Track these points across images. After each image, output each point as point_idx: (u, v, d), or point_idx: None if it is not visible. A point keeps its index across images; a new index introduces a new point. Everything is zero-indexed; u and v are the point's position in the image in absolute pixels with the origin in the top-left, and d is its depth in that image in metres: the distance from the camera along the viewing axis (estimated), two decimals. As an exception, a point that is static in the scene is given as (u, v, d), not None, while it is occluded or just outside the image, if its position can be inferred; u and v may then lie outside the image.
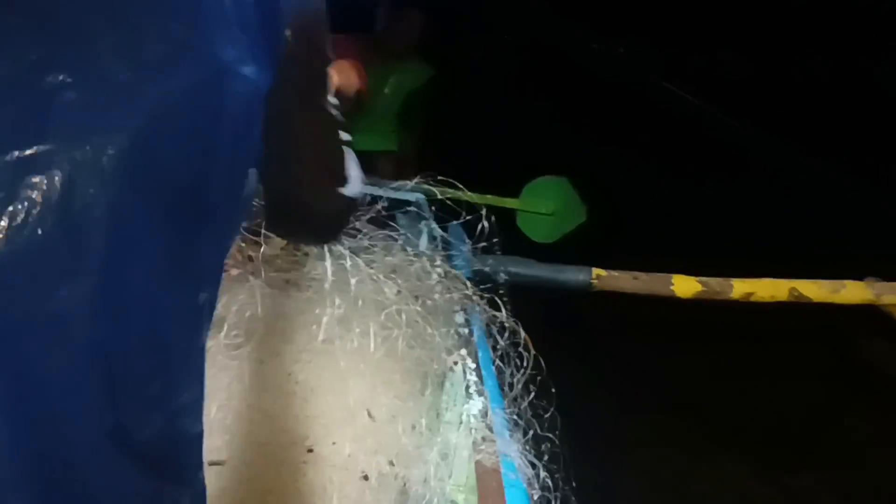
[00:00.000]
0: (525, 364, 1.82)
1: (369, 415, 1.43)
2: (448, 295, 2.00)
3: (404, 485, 1.34)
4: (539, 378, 1.80)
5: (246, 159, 0.74)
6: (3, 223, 0.57)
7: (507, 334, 1.90)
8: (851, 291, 2.72)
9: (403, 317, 1.76)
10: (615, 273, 2.56)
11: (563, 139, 3.54)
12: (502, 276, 2.36)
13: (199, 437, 0.76)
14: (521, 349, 1.89)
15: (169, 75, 0.63)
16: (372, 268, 1.95)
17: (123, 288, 0.63)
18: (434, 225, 2.59)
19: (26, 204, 0.58)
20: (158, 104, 0.62)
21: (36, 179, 0.58)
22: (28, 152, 0.58)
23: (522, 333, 1.89)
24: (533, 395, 1.71)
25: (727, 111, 5.14)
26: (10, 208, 0.57)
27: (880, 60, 4.86)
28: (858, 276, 2.68)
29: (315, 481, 1.33)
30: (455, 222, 2.62)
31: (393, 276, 1.98)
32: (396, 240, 2.22)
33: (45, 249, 0.58)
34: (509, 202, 2.92)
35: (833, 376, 3.65)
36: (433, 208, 2.69)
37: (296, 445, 1.38)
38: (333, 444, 1.40)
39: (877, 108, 4.66)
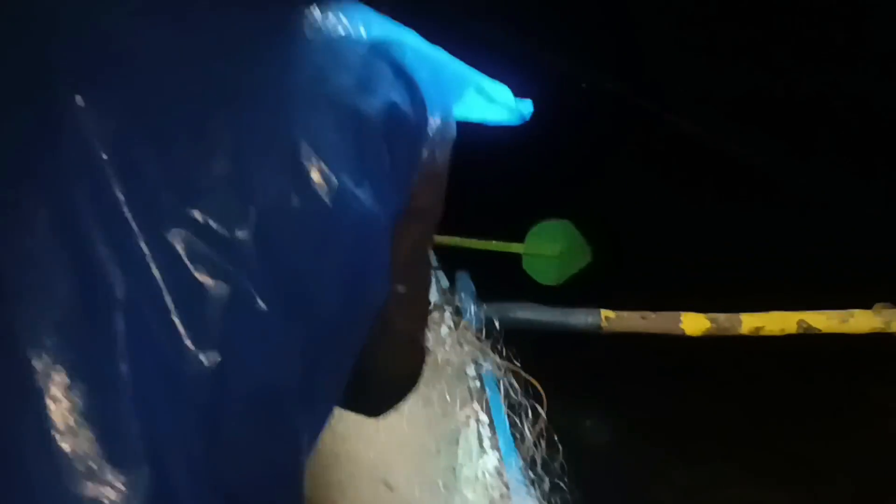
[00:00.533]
0: (538, 414, 1.83)
1: (386, 485, 1.43)
2: (458, 347, 2.01)
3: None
4: (552, 426, 1.81)
5: (362, 290, 0.71)
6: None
7: (518, 384, 1.91)
8: (860, 320, 2.72)
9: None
10: (624, 314, 2.57)
11: (563, 182, 3.57)
12: (511, 324, 2.37)
13: None
14: (532, 399, 1.90)
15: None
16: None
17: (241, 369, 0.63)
18: (441, 274, 2.62)
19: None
20: (273, 204, 0.63)
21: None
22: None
23: (534, 382, 1.90)
24: (546, 445, 1.71)
25: (730, 136, 5.18)
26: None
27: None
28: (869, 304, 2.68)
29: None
30: (462, 271, 2.64)
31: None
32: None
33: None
34: (514, 247, 2.93)
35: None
36: (438, 258, 2.73)
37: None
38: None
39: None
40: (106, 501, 0.57)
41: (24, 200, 0.59)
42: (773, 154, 5.08)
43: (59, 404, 0.57)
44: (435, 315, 2.20)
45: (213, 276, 0.61)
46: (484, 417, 1.69)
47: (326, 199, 0.65)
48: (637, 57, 5.25)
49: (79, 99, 0.60)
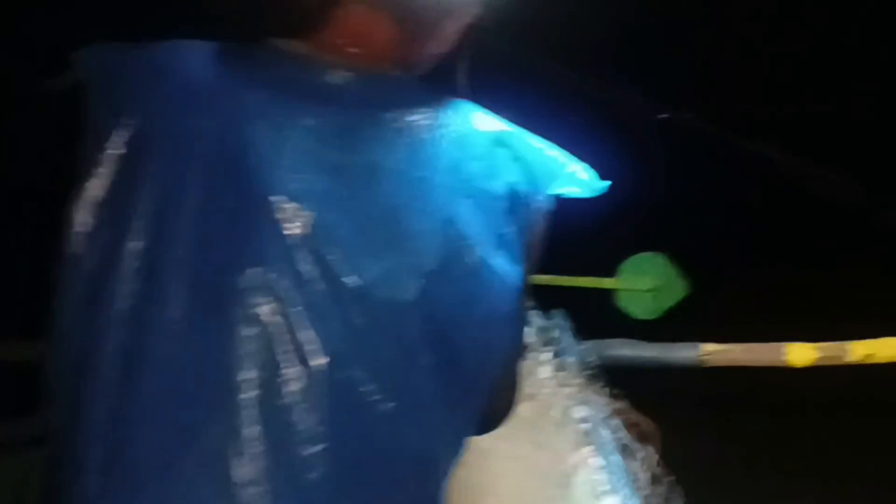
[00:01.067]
0: (650, 451, 1.78)
1: None
2: (561, 388, 1.98)
3: None
4: (664, 465, 1.76)
5: (500, 338, 0.85)
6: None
7: (625, 423, 1.86)
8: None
9: (523, 414, 1.75)
10: (725, 346, 2.50)
11: (655, 213, 3.53)
12: (611, 360, 2.33)
13: None
14: (642, 436, 1.85)
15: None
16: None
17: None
18: (537, 314, 2.60)
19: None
20: (433, 273, 0.78)
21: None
22: None
23: (643, 420, 1.85)
24: (660, 485, 1.67)
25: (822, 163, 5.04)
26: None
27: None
28: None
29: None
30: (556, 310, 2.62)
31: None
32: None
33: None
34: (607, 282, 2.90)
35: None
36: (532, 298, 2.70)
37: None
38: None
39: None
40: None
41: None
42: (869, 185, 4.93)
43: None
44: (533, 356, 2.18)
45: (384, 334, 0.74)
46: (596, 461, 1.65)
47: (471, 267, 0.80)
48: (720, 87, 5.18)
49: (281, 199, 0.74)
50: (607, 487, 1.57)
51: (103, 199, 0.75)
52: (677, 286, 2.93)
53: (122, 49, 0.81)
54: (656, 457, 1.73)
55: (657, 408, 2.10)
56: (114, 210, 0.75)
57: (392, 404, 0.74)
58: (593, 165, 0.96)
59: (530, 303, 2.61)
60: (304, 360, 0.71)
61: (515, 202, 0.86)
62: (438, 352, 0.78)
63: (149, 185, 0.74)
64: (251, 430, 0.69)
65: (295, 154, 0.74)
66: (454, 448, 0.84)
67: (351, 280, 0.74)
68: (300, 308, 0.72)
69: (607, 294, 2.88)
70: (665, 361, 2.46)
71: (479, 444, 1.63)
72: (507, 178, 0.86)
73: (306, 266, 0.72)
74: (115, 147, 0.76)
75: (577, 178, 0.93)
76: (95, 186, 0.76)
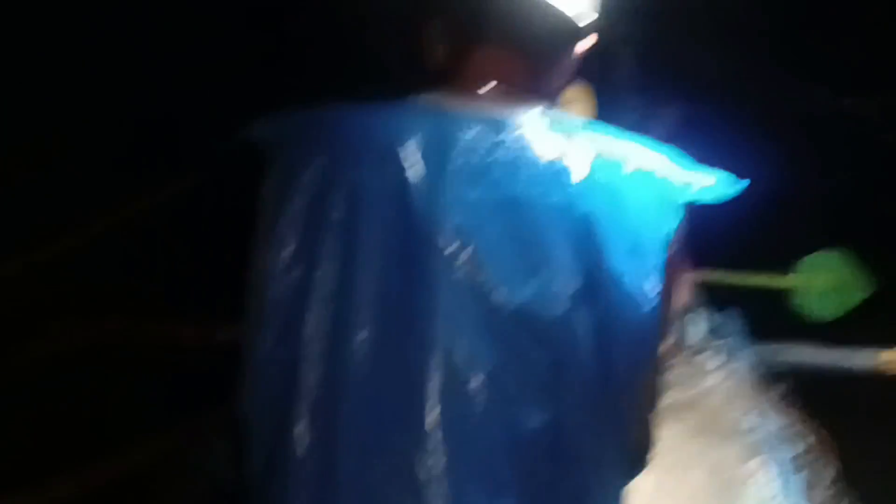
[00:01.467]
0: (827, 464, 1.73)
1: None
2: (730, 396, 1.94)
3: None
4: (840, 478, 1.70)
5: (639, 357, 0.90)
6: None
7: (802, 432, 1.81)
8: None
9: (690, 424, 1.74)
10: (911, 353, 2.35)
11: (836, 209, 3.34)
12: (786, 366, 2.25)
13: None
14: (819, 445, 1.79)
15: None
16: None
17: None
18: (707, 315, 2.54)
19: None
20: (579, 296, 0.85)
21: None
22: None
23: (821, 434, 1.79)
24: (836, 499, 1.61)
25: None
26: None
27: None
28: None
29: None
30: (728, 310, 2.54)
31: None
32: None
33: None
34: (784, 281, 2.79)
35: None
36: (703, 296, 2.64)
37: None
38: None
39: None
40: None
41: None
42: None
43: None
44: (701, 360, 2.14)
45: (544, 352, 0.83)
46: (767, 473, 1.62)
47: (615, 294, 0.86)
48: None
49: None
50: (779, 497, 1.54)
51: (288, 242, 0.85)
52: (858, 285, 2.78)
53: (292, 116, 0.91)
54: (832, 470, 1.67)
55: (834, 417, 2.02)
56: (300, 251, 0.84)
57: (545, 416, 0.81)
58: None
59: (700, 302, 2.56)
60: (471, 376, 0.80)
61: (645, 219, 0.90)
62: (587, 366, 0.84)
63: (332, 229, 0.83)
64: (435, 437, 0.78)
65: (449, 196, 0.84)
66: (609, 472, 0.88)
67: (506, 301, 0.82)
68: (466, 327, 0.81)
69: (784, 294, 2.78)
70: (843, 369, 2.36)
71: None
72: (635, 195, 0.90)
73: (468, 291, 0.82)
74: (298, 200, 0.85)
75: (704, 188, 0.94)
76: (282, 233, 0.85)
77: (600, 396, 0.85)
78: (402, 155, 0.85)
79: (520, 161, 0.87)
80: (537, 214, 0.85)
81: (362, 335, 0.82)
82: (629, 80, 2.56)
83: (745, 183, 0.96)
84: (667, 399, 1.83)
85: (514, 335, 0.82)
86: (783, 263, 2.79)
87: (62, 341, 2.13)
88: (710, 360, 2.07)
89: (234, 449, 0.89)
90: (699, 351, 2.17)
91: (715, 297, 2.66)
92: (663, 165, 0.93)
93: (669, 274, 0.91)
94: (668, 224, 0.91)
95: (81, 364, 2.12)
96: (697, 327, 2.57)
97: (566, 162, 0.88)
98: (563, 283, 0.84)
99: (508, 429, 0.81)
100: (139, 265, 2.20)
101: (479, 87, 0.93)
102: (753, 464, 1.63)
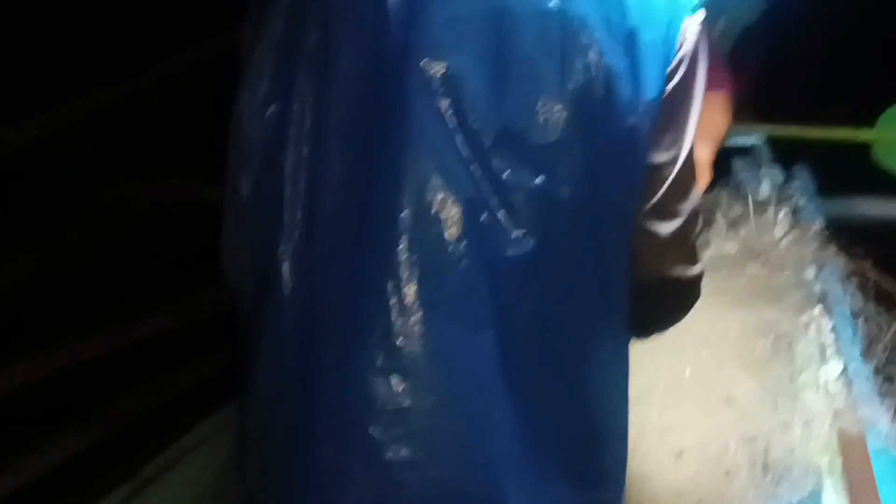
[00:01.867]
0: (890, 318, 1.68)
1: (729, 400, 1.40)
2: (796, 247, 1.88)
3: (766, 458, 1.30)
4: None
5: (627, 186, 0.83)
6: None
7: (868, 287, 1.75)
8: None
9: (747, 274, 1.70)
10: None
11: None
12: (858, 221, 2.17)
13: None
14: (882, 302, 1.73)
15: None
16: (710, 223, 1.90)
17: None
18: (776, 170, 2.44)
19: None
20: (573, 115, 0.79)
21: None
22: None
23: (884, 284, 1.74)
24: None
25: None
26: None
27: None
28: None
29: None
30: (800, 164, 2.45)
31: (733, 230, 1.91)
32: (736, 189, 2.13)
33: None
34: (864, 134, 2.65)
35: None
36: (774, 151, 2.54)
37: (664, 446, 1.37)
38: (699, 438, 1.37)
39: None
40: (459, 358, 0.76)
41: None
42: None
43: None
44: (769, 214, 2.08)
45: (524, 177, 0.77)
46: (826, 323, 1.59)
47: (608, 111, 0.79)
48: None
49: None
50: (834, 349, 1.51)
51: (264, 74, 0.81)
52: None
53: None
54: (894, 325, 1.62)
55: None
56: (276, 83, 0.80)
57: (534, 240, 0.77)
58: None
59: (769, 159, 2.47)
60: (447, 204, 0.77)
61: (647, 17, 0.81)
62: (574, 192, 0.78)
63: (306, 59, 0.79)
64: (407, 267, 0.75)
65: (427, 13, 0.77)
66: (606, 297, 0.83)
67: (486, 125, 0.77)
68: (443, 154, 0.77)
69: (863, 148, 2.65)
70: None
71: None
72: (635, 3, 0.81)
73: (446, 116, 0.77)
74: (272, 29, 0.81)
75: None
76: (257, 65, 0.81)
77: (588, 226, 0.80)
78: None
79: None
80: (523, 25, 0.78)
81: (337, 168, 0.79)
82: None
83: None
84: (728, 249, 1.83)
85: (494, 160, 0.78)
86: (864, 115, 2.65)
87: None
88: (780, 212, 2.01)
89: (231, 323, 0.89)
90: (766, 205, 2.11)
91: (790, 153, 2.57)
92: None
93: (684, 87, 0.83)
94: (674, 22, 0.82)
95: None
96: (767, 182, 2.49)
97: None
98: (550, 102, 0.78)
99: (487, 259, 0.77)
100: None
101: None
102: (812, 312, 1.60)
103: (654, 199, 0.85)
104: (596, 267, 0.82)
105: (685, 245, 0.88)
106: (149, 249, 2.18)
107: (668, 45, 0.82)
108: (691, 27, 0.84)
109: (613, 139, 0.80)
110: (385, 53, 0.78)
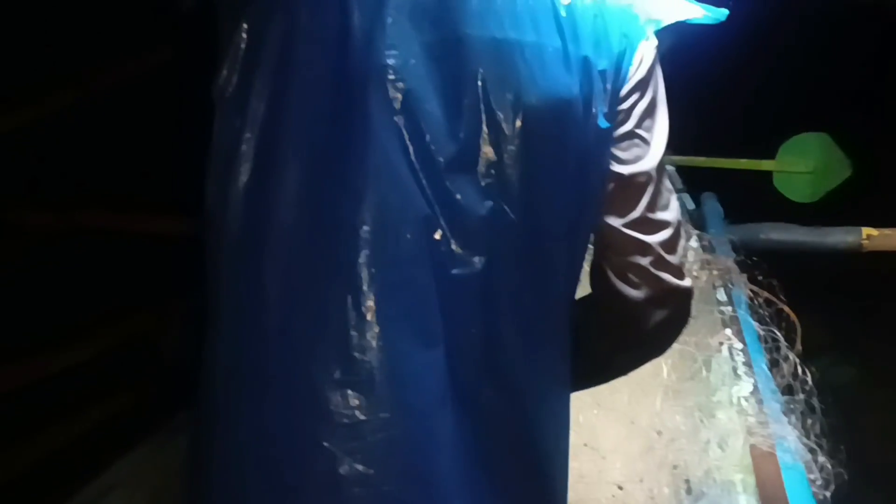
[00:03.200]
0: (792, 339, 1.78)
1: (658, 433, 1.46)
2: (706, 271, 1.98)
3: (688, 482, 1.36)
4: (805, 352, 1.75)
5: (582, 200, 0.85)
6: None
7: (771, 310, 1.86)
8: None
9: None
10: (888, 231, 2.39)
11: (817, 91, 3.30)
12: (762, 245, 2.29)
13: None
14: (785, 324, 1.84)
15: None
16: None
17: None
18: (686, 197, 2.56)
19: None
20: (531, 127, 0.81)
21: None
22: None
23: (787, 310, 1.84)
24: (802, 373, 1.66)
25: None
26: None
27: None
28: None
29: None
30: (708, 193, 2.57)
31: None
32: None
33: None
34: (765, 164, 2.80)
35: None
36: (684, 179, 2.66)
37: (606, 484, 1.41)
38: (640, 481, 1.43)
39: None
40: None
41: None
42: None
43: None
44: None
45: (476, 198, 0.79)
46: (737, 344, 1.68)
47: (557, 132, 0.81)
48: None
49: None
50: (745, 370, 1.59)
51: (230, 88, 0.81)
52: (840, 168, 2.80)
53: None
54: (798, 346, 1.72)
55: (808, 294, 2.06)
56: (239, 90, 0.80)
57: (482, 260, 0.79)
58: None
59: (679, 185, 2.58)
60: (401, 223, 0.78)
61: (599, 40, 0.84)
62: (520, 212, 0.80)
63: (264, 68, 0.79)
64: (364, 282, 0.76)
65: (388, 37, 0.79)
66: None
67: (440, 148, 0.79)
68: (398, 176, 0.78)
69: (764, 176, 2.80)
70: (822, 246, 2.39)
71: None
72: (591, 26, 0.84)
73: (402, 138, 0.78)
74: (237, 37, 0.81)
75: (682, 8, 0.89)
76: (224, 77, 0.81)
77: (535, 248, 0.82)
78: None
79: None
80: (480, 53, 0.80)
81: (292, 183, 0.79)
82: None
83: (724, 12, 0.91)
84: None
85: (448, 182, 0.79)
86: (765, 147, 2.80)
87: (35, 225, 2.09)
88: (690, 236, 2.11)
89: (195, 335, 0.87)
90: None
91: (696, 181, 2.69)
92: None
93: (645, 107, 0.85)
94: (628, 51, 0.85)
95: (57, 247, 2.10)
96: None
97: None
98: (502, 128, 0.80)
99: (439, 277, 0.78)
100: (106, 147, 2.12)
101: None
102: (723, 334, 1.68)
103: (636, 213, 0.86)
104: (542, 288, 0.84)
105: (674, 255, 0.89)
106: (61, 276, 2.11)
107: (622, 72, 0.84)
108: (646, 53, 0.86)
109: (562, 164, 0.82)
110: (346, 72, 0.79)
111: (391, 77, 0.79)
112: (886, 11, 3.25)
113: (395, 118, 0.78)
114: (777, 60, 3.21)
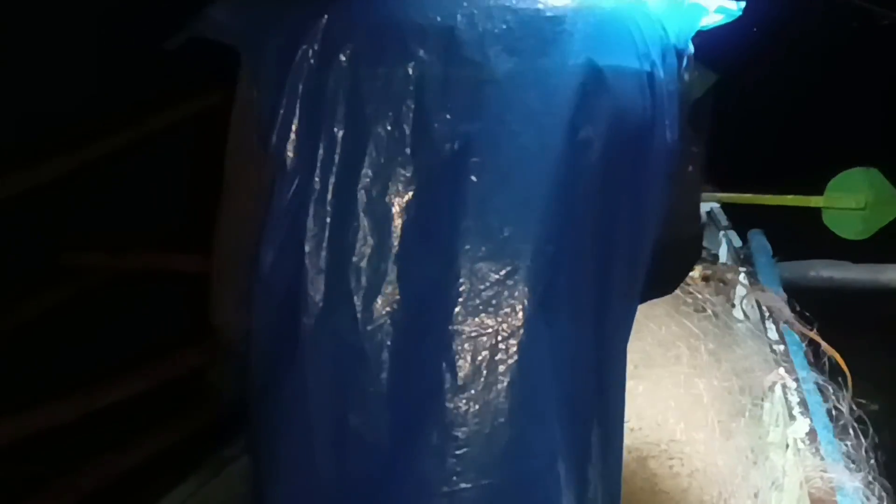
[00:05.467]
0: (845, 378, 1.72)
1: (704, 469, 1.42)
2: (755, 309, 1.93)
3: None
4: (859, 391, 1.69)
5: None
6: None
7: (821, 350, 1.80)
8: None
9: (709, 328, 1.74)
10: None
11: (869, 125, 3.24)
12: (813, 283, 2.23)
13: None
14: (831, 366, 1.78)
15: None
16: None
17: None
18: (733, 234, 2.52)
19: None
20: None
21: None
22: None
23: (836, 356, 1.78)
24: (858, 418, 1.60)
25: None
26: None
27: None
28: None
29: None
30: (756, 230, 2.52)
31: (693, 292, 1.95)
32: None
33: None
34: (814, 200, 2.75)
35: None
36: (730, 215, 2.62)
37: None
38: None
39: None
40: None
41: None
42: None
43: None
44: (728, 276, 2.13)
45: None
46: (790, 383, 1.62)
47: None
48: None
49: None
50: (800, 410, 1.53)
51: (287, 151, 0.78)
52: (891, 204, 2.74)
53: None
54: (850, 387, 1.66)
55: (859, 334, 2.00)
56: (301, 159, 0.78)
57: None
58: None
59: (724, 222, 2.54)
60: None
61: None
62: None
63: (332, 137, 0.77)
64: (458, 339, 0.75)
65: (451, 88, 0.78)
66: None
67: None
68: (489, 223, 0.78)
69: (813, 213, 2.74)
70: (875, 284, 2.33)
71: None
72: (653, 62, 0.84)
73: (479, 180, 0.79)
74: (291, 104, 0.78)
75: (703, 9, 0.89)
76: (280, 142, 0.78)
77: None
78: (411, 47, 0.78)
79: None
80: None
81: (366, 248, 0.77)
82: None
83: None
84: (696, 306, 1.87)
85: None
86: (814, 183, 2.75)
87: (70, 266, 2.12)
88: (737, 275, 2.07)
89: (241, 368, 0.86)
90: (728, 267, 2.17)
91: (742, 218, 2.65)
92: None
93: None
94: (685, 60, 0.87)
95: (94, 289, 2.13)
96: (725, 246, 2.56)
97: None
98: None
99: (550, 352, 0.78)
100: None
101: None
102: (777, 373, 1.63)
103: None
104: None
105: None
106: (114, 314, 2.14)
107: (684, 83, 0.87)
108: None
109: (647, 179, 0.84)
110: (424, 136, 0.78)
111: (452, 124, 0.78)
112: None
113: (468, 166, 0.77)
114: (825, 95, 3.17)
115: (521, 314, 0.76)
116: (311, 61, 0.79)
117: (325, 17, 0.80)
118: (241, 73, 0.82)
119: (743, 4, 0.92)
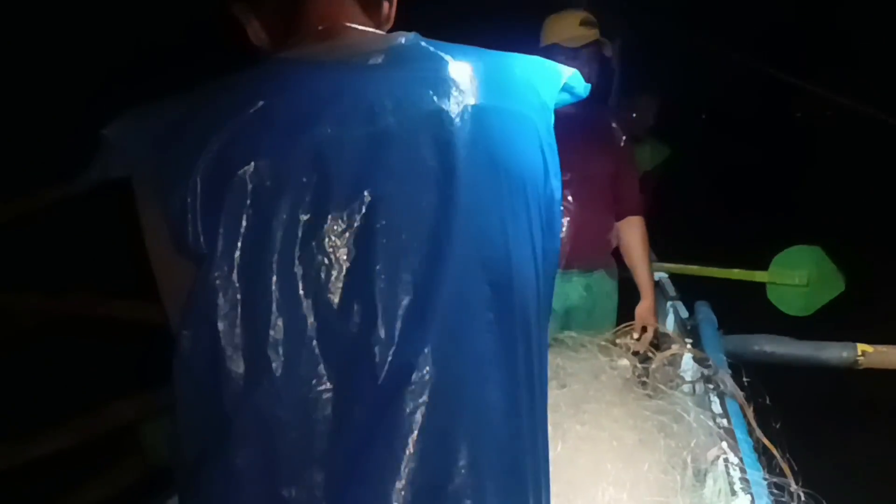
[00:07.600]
0: (787, 456, 1.72)
1: None
2: (700, 380, 1.94)
3: None
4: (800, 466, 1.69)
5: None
6: None
7: (766, 423, 1.80)
8: None
9: (653, 405, 1.73)
10: (883, 348, 2.36)
11: (810, 205, 3.34)
12: (756, 357, 2.25)
13: None
14: (779, 436, 1.78)
15: None
16: (614, 352, 1.94)
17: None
18: (680, 304, 2.54)
19: None
20: None
21: None
22: None
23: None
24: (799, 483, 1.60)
25: None
26: None
27: None
28: None
29: None
30: (701, 302, 2.55)
31: (635, 360, 1.95)
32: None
33: None
34: (759, 275, 2.80)
35: None
36: (678, 286, 2.65)
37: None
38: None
39: None
40: None
41: None
42: None
43: None
44: (674, 347, 2.14)
45: None
46: (733, 458, 1.61)
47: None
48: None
49: None
50: (741, 486, 1.53)
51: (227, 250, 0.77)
52: (833, 282, 2.80)
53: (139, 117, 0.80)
54: (787, 461, 1.66)
55: (802, 409, 2.01)
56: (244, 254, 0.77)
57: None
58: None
59: (672, 293, 2.57)
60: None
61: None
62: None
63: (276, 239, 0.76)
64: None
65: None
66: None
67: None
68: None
69: (758, 288, 2.79)
70: (816, 361, 2.35)
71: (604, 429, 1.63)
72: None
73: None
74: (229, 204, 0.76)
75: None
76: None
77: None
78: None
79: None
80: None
81: (280, 321, 0.76)
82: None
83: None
84: (634, 381, 1.86)
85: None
86: (758, 259, 2.81)
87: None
88: (685, 345, 2.08)
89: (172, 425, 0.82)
90: (674, 338, 2.17)
91: (688, 290, 2.68)
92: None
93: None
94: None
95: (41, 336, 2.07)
96: (671, 315, 2.58)
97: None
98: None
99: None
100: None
101: (326, 30, 0.87)
102: (719, 448, 1.62)
103: None
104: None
105: None
106: (44, 367, 2.07)
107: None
108: None
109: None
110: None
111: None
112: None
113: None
114: (773, 174, 3.26)
115: None
116: (210, 169, 0.77)
117: (219, 129, 0.78)
118: (137, 200, 0.80)
119: (589, 87, 0.96)
